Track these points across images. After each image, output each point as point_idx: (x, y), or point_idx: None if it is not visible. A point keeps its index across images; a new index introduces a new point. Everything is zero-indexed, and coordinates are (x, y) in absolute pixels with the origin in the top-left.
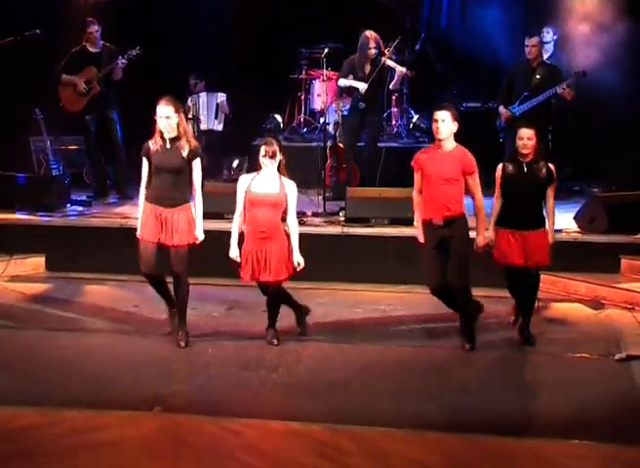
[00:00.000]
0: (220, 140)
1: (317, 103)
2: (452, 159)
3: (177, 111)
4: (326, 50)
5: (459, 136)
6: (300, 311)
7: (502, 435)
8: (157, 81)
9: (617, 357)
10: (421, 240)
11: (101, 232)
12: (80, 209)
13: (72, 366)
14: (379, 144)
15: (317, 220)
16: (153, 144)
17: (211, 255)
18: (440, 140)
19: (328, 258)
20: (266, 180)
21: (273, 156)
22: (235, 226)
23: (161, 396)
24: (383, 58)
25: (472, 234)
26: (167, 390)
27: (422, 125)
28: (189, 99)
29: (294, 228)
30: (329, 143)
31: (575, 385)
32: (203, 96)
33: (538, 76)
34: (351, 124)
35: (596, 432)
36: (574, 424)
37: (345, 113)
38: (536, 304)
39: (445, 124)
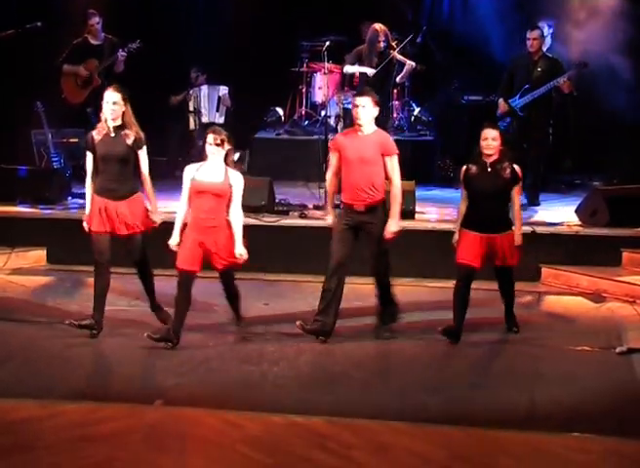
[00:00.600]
0: None
1: (318, 96)
2: (371, 142)
3: (124, 99)
4: (327, 43)
5: (461, 129)
6: (238, 309)
7: (504, 428)
8: (158, 74)
9: (618, 350)
10: (332, 221)
11: None
12: (81, 201)
13: (73, 358)
14: None
15: (318, 213)
16: (97, 134)
17: None
18: (360, 125)
19: (327, 251)
20: (212, 170)
21: (220, 144)
22: (179, 215)
23: (162, 389)
24: (392, 52)
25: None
26: (168, 383)
27: (424, 118)
28: (190, 92)
29: (237, 220)
30: (330, 136)
31: (576, 378)
32: (204, 88)
33: (539, 69)
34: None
35: (597, 425)
36: (575, 417)
37: (347, 106)
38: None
39: (365, 109)
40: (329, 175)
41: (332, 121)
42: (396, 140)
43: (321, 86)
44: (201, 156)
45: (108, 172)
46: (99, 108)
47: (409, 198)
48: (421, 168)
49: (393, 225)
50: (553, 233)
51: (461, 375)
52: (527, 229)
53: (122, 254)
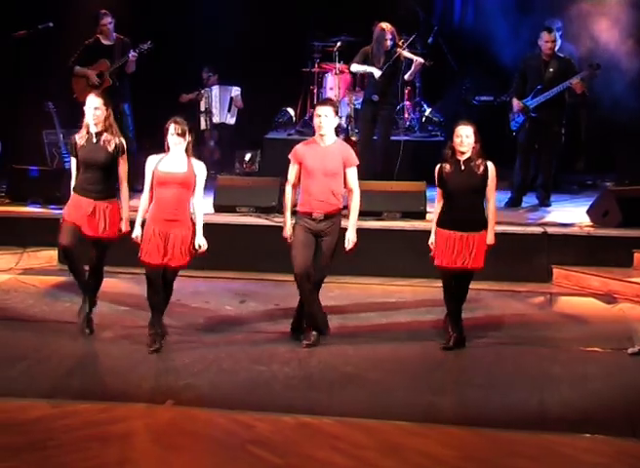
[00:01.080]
0: (233, 134)
1: (330, 97)
2: (333, 153)
3: (105, 104)
4: (338, 43)
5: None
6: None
7: (515, 429)
8: (170, 74)
9: (629, 351)
10: (287, 234)
11: None
12: None
13: (85, 358)
14: (394, 138)
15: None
16: (80, 139)
17: (223, 249)
18: (322, 135)
19: (339, 252)
20: (174, 160)
21: (182, 134)
22: (141, 207)
23: (173, 389)
24: (398, 50)
25: None
26: (179, 383)
27: (435, 118)
28: (202, 92)
29: (199, 210)
30: (341, 137)
31: (587, 379)
32: (215, 89)
33: (551, 69)
34: (365, 117)
35: (609, 426)
36: (586, 418)
37: (358, 106)
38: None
39: (328, 119)
40: (288, 188)
41: (343, 121)
42: (407, 141)
43: (332, 86)
44: (212, 157)
45: (89, 176)
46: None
47: (420, 198)
48: (433, 168)
49: (353, 234)
50: (565, 234)
51: (472, 376)
52: (538, 230)
53: (122, 255)
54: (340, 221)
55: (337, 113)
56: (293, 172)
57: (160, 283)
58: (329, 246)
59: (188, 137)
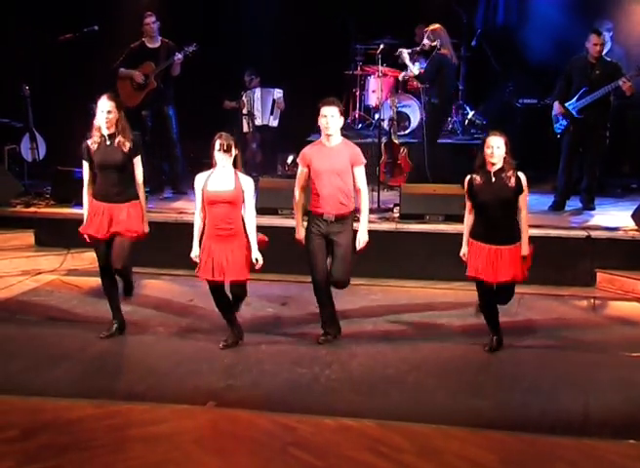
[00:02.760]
0: (275, 136)
1: (372, 100)
2: (341, 152)
3: (117, 107)
4: (381, 46)
5: (515, 132)
6: (238, 327)
7: (557, 434)
8: (213, 76)
9: None
10: (300, 236)
11: (157, 227)
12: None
13: (128, 359)
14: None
15: (372, 217)
16: (92, 143)
17: (265, 251)
18: (329, 136)
19: (382, 255)
20: (221, 178)
21: (228, 150)
22: (196, 226)
23: (215, 391)
24: (434, 53)
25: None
26: (221, 385)
27: (478, 121)
28: (243, 95)
29: (251, 224)
30: (383, 139)
31: (632, 385)
32: (257, 91)
33: (597, 72)
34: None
35: None
36: (631, 424)
37: (401, 109)
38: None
39: (334, 119)
40: (297, 191)
41: (385, 124)
42: (450, 144)
43: (375, 89)
44: (254, 159)
45: (106, 179)
46: (154, 111)
47: (462, 201)
48: None
49: (364, 235)
50: (609, 238)
51: (514, 380)
52: (582, 233)
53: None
54: (352, 224)
55: (342, 113)
56: (301, 175)
57: (222, 295)
58: (345, 250)
59: (234, 151)
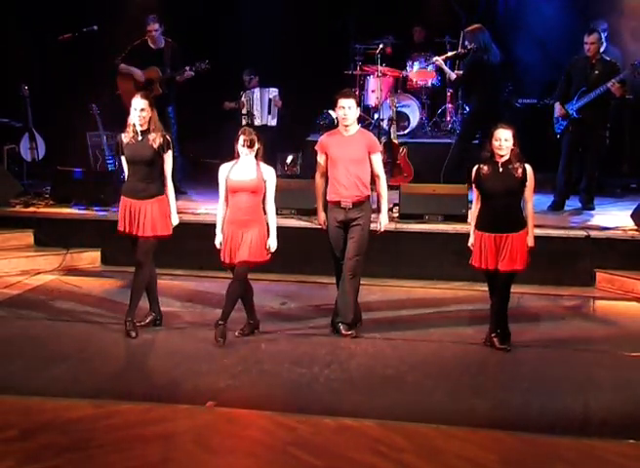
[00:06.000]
0: (275, 136)
1: (371, 99)
2: (356, 141)
3: (151, 105)
4: (380, 46)
5: (515, 132)
6: (253, 317)
7: (557, 434)
8: (212, 76)
9: None
10: (322, 220)
11: None
12: None
13: (127, 359)
14: (436, 141)
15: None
16: (125, 137)
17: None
18: (347, 126)
19: (381, 255)
20: (244, 168)
21: (251, 146)
22: (219, 215)
23: (214, 390)
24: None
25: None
26: (220, 385)
27: None
28: (243, 96)
29: (271, 213)
30: (383, 139)
31: (631, 384)
32: (256, 91)
33: (596, 72)
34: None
35: None
36: (630, 424)
37: (400, 109)
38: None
39: (351, 110)
40: (317, 177)
41: (385, 124)
42: (449, 144)
43: (374, 89)
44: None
45: (135, 173)
46: (159, 116)
47: (462, 201)
48: None
49: (385, 218)
50: (608, 238)
51: (514, 380)
52: (581, 233)
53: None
54: (369, 210)
55: (358, 104)
56: (321, 161)
57: (245, 279)
58: (360, 234)
59: (257, 145)
